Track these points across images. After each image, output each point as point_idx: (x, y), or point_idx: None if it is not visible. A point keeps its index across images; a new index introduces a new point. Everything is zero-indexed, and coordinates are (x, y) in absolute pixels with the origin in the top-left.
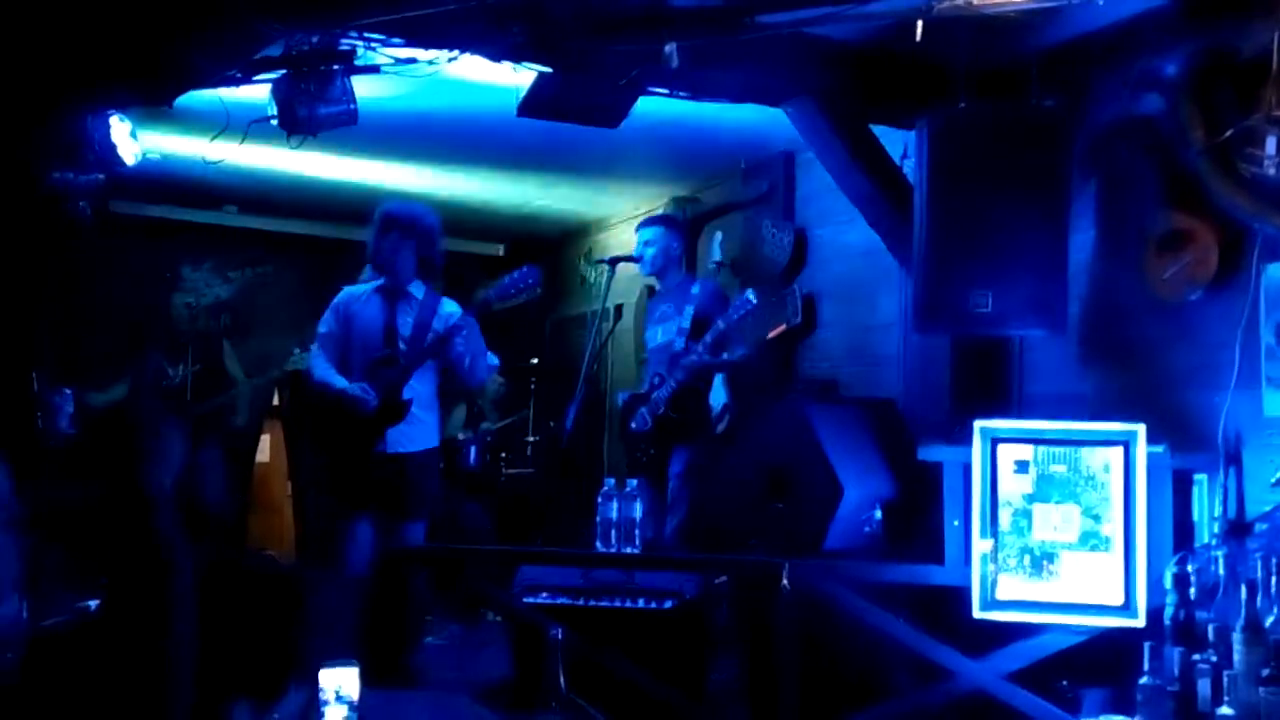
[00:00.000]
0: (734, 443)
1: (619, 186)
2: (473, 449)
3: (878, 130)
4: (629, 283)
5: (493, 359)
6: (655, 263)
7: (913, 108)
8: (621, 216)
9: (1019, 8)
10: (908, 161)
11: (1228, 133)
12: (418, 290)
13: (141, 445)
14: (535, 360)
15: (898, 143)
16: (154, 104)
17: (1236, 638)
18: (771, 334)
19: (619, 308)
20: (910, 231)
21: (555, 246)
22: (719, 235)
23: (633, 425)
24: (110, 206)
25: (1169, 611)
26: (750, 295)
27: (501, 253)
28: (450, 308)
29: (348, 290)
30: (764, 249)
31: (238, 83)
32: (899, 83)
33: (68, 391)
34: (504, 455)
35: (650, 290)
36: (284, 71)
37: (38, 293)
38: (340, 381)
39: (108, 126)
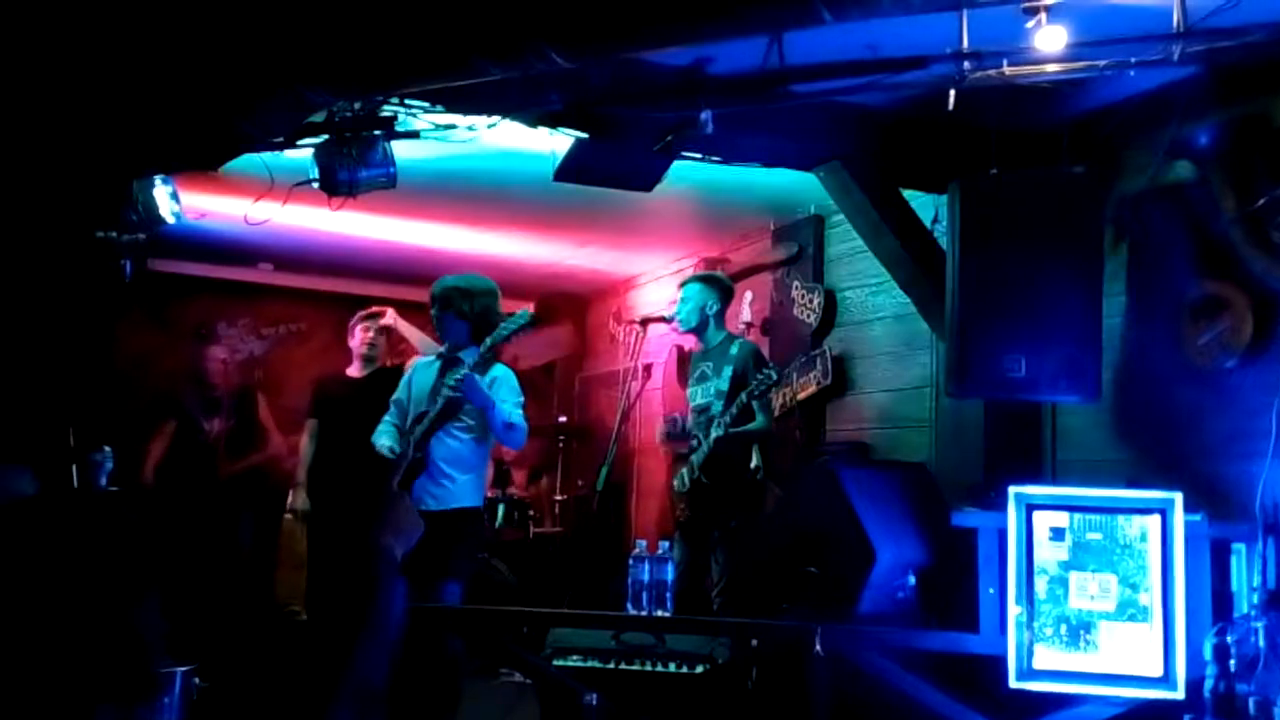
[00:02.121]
0: (766, 504)
1: (649, 246)
2: (500, 509)
3: (909, 195)
4: (659, 342)
5: (514, 416)
6: (689, 320)
7: (944, 173)
8: (651, 275)
9: (1051, 76)
10: (939, 226)
11: (1260, 201)
12: (470, 356)
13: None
14: (564, 419)
15: (928, 207)
16: (200, 168)
17: (1278, 712)
18: (802, 395)
19: (648, 367)
20: (941, 295)
21: (585, 304)
22: (749, 296)
23: (674, 485)
24: (148, 265)
25: (1209, 684)
26: (771, 371)
27: (532, 310)
28: (497, 372)
29: (416, 360)
30: (794, 310)
31: (281, 147)
32: (930, 148)
33: (107, 449)
34: (532, 514)
35: (679, 349)
36: (326, 136)
37: (76, 349)
38: (381, 441)
39: (152, 188)
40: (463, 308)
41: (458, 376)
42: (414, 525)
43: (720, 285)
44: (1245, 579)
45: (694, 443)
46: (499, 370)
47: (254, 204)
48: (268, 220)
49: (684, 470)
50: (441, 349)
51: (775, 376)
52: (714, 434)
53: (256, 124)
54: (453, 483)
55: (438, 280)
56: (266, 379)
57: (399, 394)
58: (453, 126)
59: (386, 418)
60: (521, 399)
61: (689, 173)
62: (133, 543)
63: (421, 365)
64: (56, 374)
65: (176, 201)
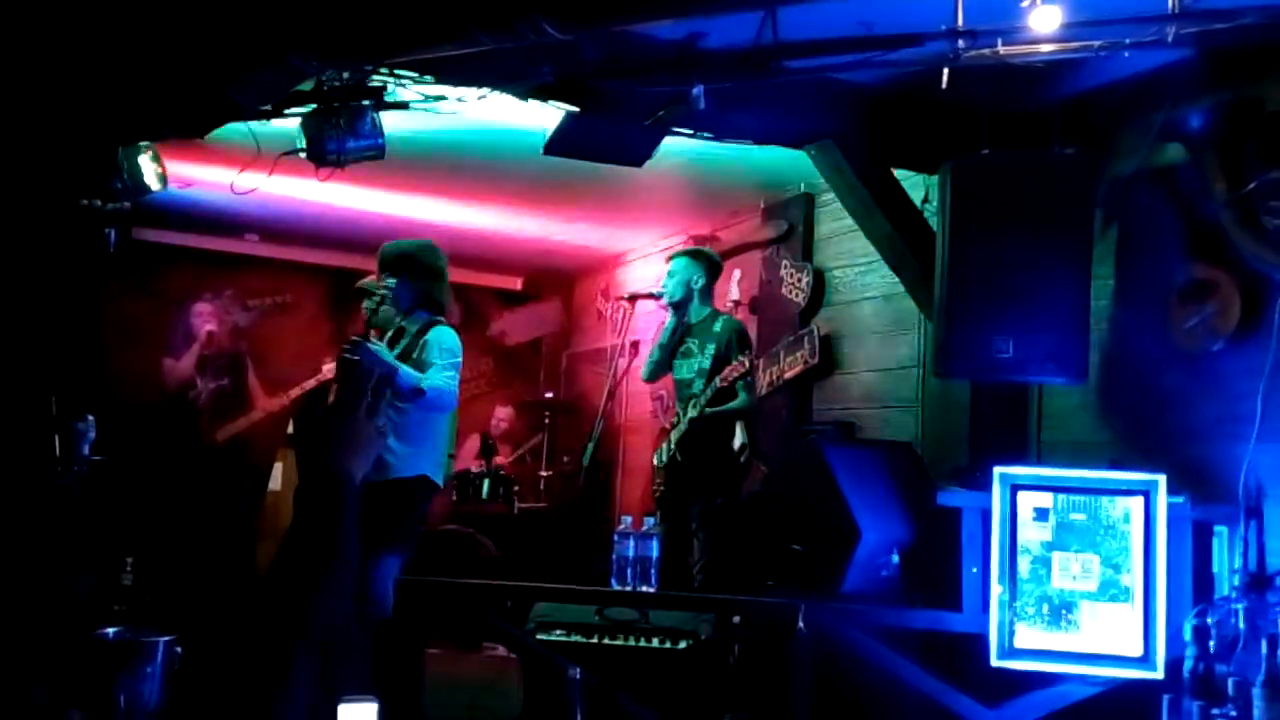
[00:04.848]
0: (751, 482)
1: (639, 222)
2: (485, 482)
3: (899, 174)
4: (646, 318)
5: (417, 380)
6: (674, 294)
7: (935, 153)
8: (640, 252)
9: (1045, 57)
10: (929, 206)
11: (1251, 185)
12: (414, 324)
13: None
14: (550, 395)
15: (919, 186)
16: (187, 136)
17: (1256, 693)
18: (789, 374)
19: (635, 343)
20: (930, 275)
21: (573, 280)
22: (737, 274)
23: (654, 459)
24: (132, 234)
25: (1188, 664)
26: (743, 358)
27: (519, 286)
28: (432, 334)
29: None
30: (782, 288)
31: (269, 116)
32: (922, 128)
33: (90, 418)
34: (516, 489)
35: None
36: (315, 106)
37: (59, 319)
38: None
39: (137, 156)
40: (416, 274)
41: (347, 346)
42: (374, 440)
43: (707, 261)
44: (1226, 561)
45: (674, 419)
46: (435, 332)
47: (240, 173)
48: (254, 190)
49: (663, 446)
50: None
51: (747, 366)
52: (690, 414)
53: (245, 92)
54: (392, 454)
55: (389, 243)
56: (252, 350)
57: None
58: (442, 98)
59: None
60: (455, 360)
61: (680, 149)
62: (70, 519)
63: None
64: (39, 343)
65: (162, 169)
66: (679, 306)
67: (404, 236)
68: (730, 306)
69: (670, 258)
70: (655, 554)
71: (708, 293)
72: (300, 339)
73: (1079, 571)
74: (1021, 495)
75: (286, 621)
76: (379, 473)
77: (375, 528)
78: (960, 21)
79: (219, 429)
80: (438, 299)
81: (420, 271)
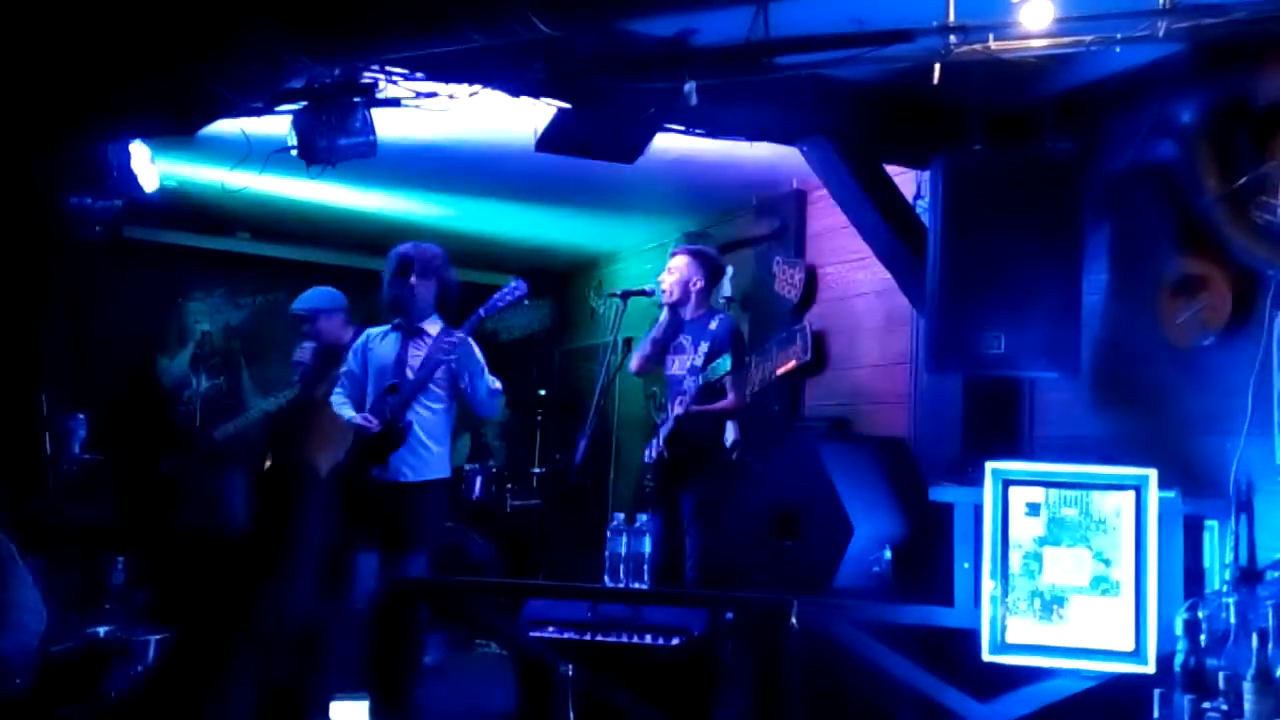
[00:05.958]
0: (744, 479)
1: (630, 220)
2: (478, 480)
3: (891, 170)
4: (639, 315)
5: (495, 382)
6: (672, 292)
7: (927, 149)
8: (632, 249)
9: (1036, 52)
10: (921, 202)
11: (1242, 180)
12: (433, 326)
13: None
14: (543, 392)
15: (911, 182)
16: (178, 133)
17: (1247, 686)
18: (781, 370)
19: (628, 341)
20: (922, 271)
21: (565, 278)
22: (730, 270)
23: (644, 456)
24: (123, 232)
25: (1179, 658)
26: (725, 359)
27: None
28: (469, 342)
29: (368, 331)
30: (775, 285)
31: (260, 113)
32: (914, 124)
33: (80, 416)
34: (510, 487)
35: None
36: (305, 103)
37: (48, 316)
38: (347, 412)
39: (128, 153)
40: (440, 276)
41: (452, 341)
42: (343, 434)
43: (709, 263)
44: (1217, 555)
45: (664, 415)
46: (466, 335)
47: (231, 171)
48: (245, 188)
49: (652, 442)
50: (397, 319)
51: (728, 367)
52: (677, 411)
53: (234, 89)
54: (429, 454)
55: (400, 246)
56: (245, 349)
57: (350, 366)
58: (434, 95)
59: (338, 390)
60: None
61: (671, 144)
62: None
63: (375, 336)
64: (26, 342)
65: (154, 169)
66: (675, 304)
67: (396, 235)
68: (722, 303)
69: (672, 253)
70: (648, 551)
71: (705, 293)
72: (294, 337)
73: (1070, 566)
74: (1013, 490)
75: (227, 616)
76: (416, 474)
77: (411, 527)
78: (952, 17)
79: (214, 427)
80: (450, 305)
81: (447, 276)
